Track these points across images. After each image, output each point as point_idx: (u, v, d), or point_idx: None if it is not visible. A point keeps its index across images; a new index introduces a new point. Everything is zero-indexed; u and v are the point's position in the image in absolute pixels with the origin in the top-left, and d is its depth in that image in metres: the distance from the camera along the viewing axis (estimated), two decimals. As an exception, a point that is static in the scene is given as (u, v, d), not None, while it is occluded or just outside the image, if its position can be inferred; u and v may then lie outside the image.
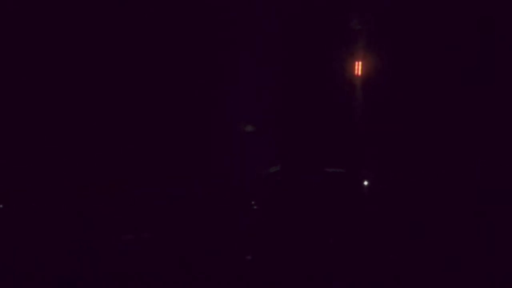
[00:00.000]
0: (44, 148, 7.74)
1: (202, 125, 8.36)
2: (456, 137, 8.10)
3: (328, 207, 8.01)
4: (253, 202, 8.11)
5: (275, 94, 8.47)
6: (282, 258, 7.19)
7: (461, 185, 7.95)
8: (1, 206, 7.38)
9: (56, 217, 7.40)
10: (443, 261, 6.97)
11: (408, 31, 8.15)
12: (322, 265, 7.05)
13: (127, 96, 8.10)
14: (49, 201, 7.51)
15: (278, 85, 8.47)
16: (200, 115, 8.36)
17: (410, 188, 8.11)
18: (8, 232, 7.06)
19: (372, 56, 8.31)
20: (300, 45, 8.45)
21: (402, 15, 8.17)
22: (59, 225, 7.30)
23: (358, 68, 8.37)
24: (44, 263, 6.67)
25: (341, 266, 7.02)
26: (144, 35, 8.11)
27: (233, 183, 8.22)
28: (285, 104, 8.50)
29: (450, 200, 7.91)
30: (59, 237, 7.13)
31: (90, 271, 6.61)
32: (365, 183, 8.11)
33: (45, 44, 7.90)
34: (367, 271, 6.89)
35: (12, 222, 7.21)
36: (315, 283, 6.72)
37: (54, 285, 6.40)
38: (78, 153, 7.85)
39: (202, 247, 7.26)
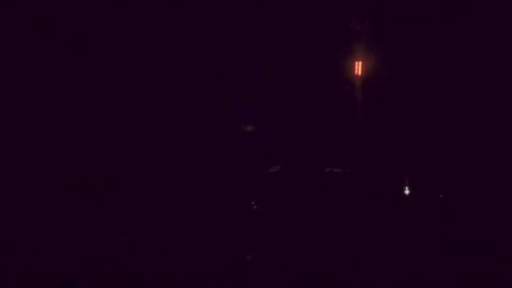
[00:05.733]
0: (44, 147, 7.73)
1: (201, 125, 8.35)
2: (457, 136, 8.11)
3: (328, 207, 8.02)
4: (253, 202, 8.11)
5: (275, 94, 8.47)
6: (282, 258, 7.19)
7: (462, 184, 7.96)
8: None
9: (55, 216, 7.40)
10: (444, 261, 6.97)
11: (408, 31, 8.15)
12: (323, 265, 7.05)
13: (127, 95, 8.10)
14: (48, 201, 7.50)
15: (278, 85, 8.46)
16: (199, 115, 8.35)
17: (410, 187, 8.12)
18: (7, 232, 7.06)
19: (372, 56, 8.31)
20: (300, 45, 8.45)
21: (402, 15, 8.17)
22: (58, 225, 7.29)
23: (358, 68, 8.37)
24: (43, 263, 6.67)
25: (341, 266, 7.02)
26: (145, 35, 8.10)
27: (233, 183, 8.22)
28: (285, 104, 8.50)
29: (451, 200, 7.93)
30: (58, 237, 7.12)
31: (89, 271, 6.61)
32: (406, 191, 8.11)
33: (44, 43, 7.89)
34: (368, 271, 6.89)
35: (11, 221, 7.20)
36: (316, 283, 6.72)
37: (53, 285, 6.40)
38: (78, 151, 7.84)
39: (202, 247, 7.25)
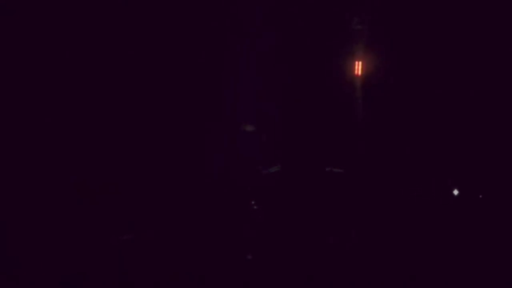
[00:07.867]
0: (43, 146, 7.73)
1: (201, 124, 8.35)
2: (457, 136, 8.11)
3: (329, 207, 8.02)
4: (253, 202, 8.11)
5: (275, 93, 8.47)
6: (282, 258, 7.19)
7: (463, 185, 7.96)
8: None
9: (55, 216, 7.39)
10: (445, 261, 6.97)
11: (408, 30, 8.15)
12: (322, 265, 7.05)
13: (126, 95, 8.08)
14: (48, 200, 7.50)
15: (278, 84, 8.46)
16: (199, 115, 8.35)
17: (410, 188, 8.12)
18: (7, 231, 7.05)
19: (372, 56, 8.31)
20: (300, 45, 8.45)
21: (402, 15, 8.17)
22: (58, 225, 7.29)
23: (358, 68, 8.36)
24: (42, 263, 6.66)
25: (341, 266, 7.02)
26: (145, 34, 8.10)
27: (233, 183, 8.21)
28: (285, 104, 8.50)
29: (452, 201, 7.93)
30: (58, 237, 7.12)
31: (89, 271, 6.61)
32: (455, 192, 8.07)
33: (43, 43, 7.88)
34: (367, 271, 6.89)
35: (11, 221, 7.19)
36: (315, 283, 6.72)
37: (53, 285, 6.39)
38: (76, 151, 7.83)
39: (202, 247, 7.25)
